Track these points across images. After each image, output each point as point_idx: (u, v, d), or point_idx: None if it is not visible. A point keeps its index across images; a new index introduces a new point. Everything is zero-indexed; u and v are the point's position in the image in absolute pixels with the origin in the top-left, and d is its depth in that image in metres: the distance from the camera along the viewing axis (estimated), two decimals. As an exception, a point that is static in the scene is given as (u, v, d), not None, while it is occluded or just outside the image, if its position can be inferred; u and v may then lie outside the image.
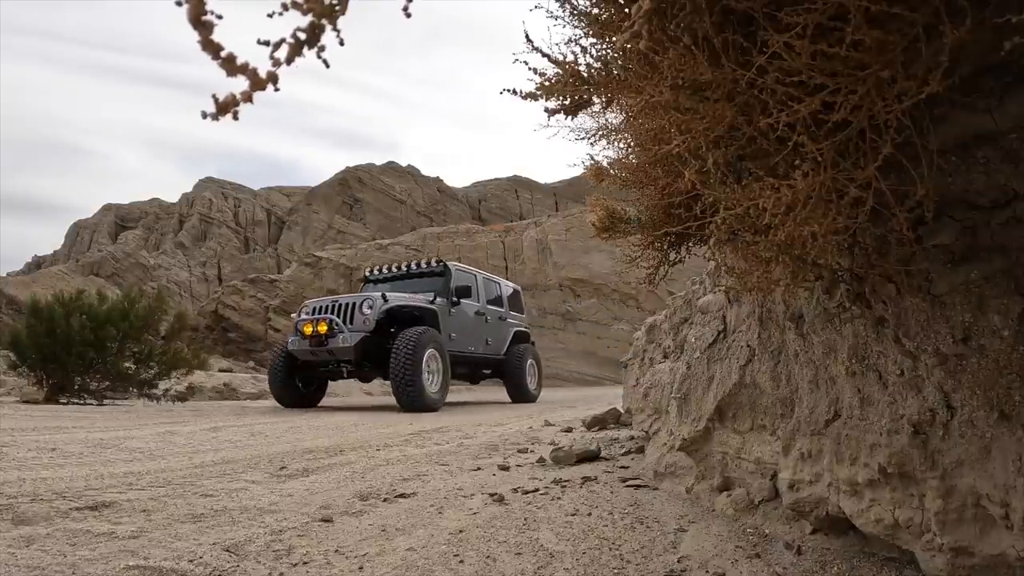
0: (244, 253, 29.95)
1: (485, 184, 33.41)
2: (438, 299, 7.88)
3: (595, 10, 1.25)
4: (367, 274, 9.31)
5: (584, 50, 1.31)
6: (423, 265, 8.68)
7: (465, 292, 8.28)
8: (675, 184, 1.42)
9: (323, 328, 6.96)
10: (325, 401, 8.97)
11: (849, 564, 1.42)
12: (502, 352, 9.39)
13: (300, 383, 7.55)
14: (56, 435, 3.66)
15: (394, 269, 9.01)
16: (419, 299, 7.66)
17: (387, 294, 7.30)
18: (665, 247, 1.88)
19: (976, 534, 1.09)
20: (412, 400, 6.57)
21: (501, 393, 10.00)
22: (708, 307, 2.12)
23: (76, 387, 7.50)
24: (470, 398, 10.97)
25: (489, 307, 9.27)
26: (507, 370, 9.40)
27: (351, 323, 7.01)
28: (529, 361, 9.68)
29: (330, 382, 8.90)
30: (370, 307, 7.02)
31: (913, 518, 1.20)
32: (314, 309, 7.39)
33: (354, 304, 7.15)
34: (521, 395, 9.38)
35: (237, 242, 30.79)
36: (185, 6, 0.54)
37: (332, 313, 7.17)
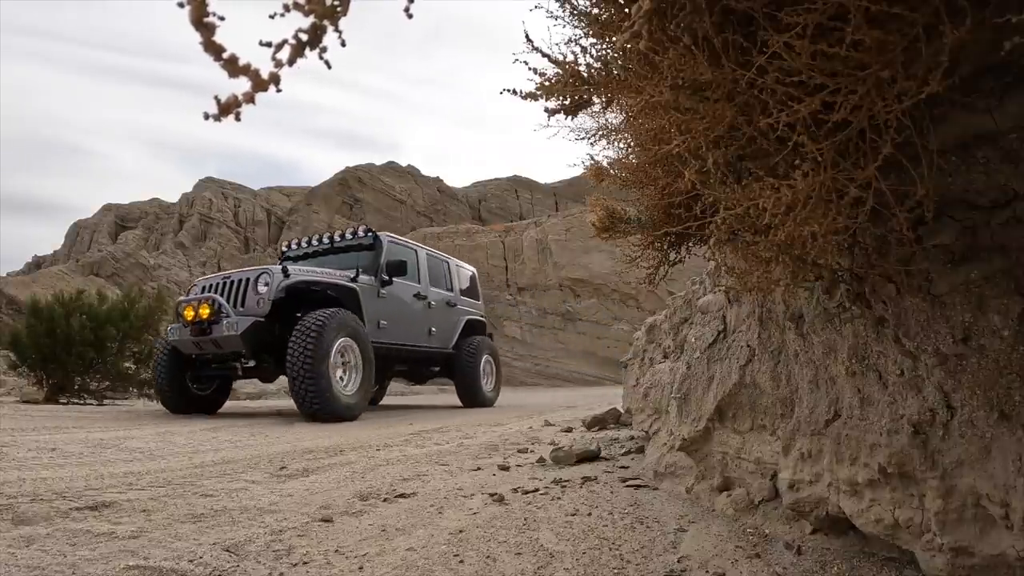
0: (244, 253, 29.94)
1: (485, 184, 33.41)
2: (363, 276, 6.23)
3: (595, 10, 1.25)
4: (283, 249, 7.51)
5: (584, 50, 1.31)
6: (348, 235, 6.93)
7: (399, 269, 6.59)
8: (675, 184, 1.42)
9: (205, 311, 5.36)
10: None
11: (849, 564, 1.42)
12: (450, 345, 7.74)
13: (193, 383, 6.04)
14: (56, 435, 3.66)
15: (314, 242, 7.20)
16: (336, 275, 6.03)
17: (291, 267, 5.69)
18: (665, 247, 1.88)
19: (976, 534, 1.09)
20: (314, 404, 5.01)
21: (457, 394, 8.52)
22: (708, 307, 2.12)
23: (76, 387, 7.51)
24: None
25: (434, 290, 7.56)
26: (457, 367, 7.75)
27: (242, 305, 5.42)
28: (484, 357, 8.02)
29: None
30: (266, 284, 5.40)
31: (913, 518, 1.20)
32: (203, 288, 5.81)
33: (247, 280, 5.53)
34: (473, 398, 7.81)
35: (237, 242, 30.78)
36: (187, 8, 0.55)
37: (219, 292, 5.55)
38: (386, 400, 9.33)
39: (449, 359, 7.78)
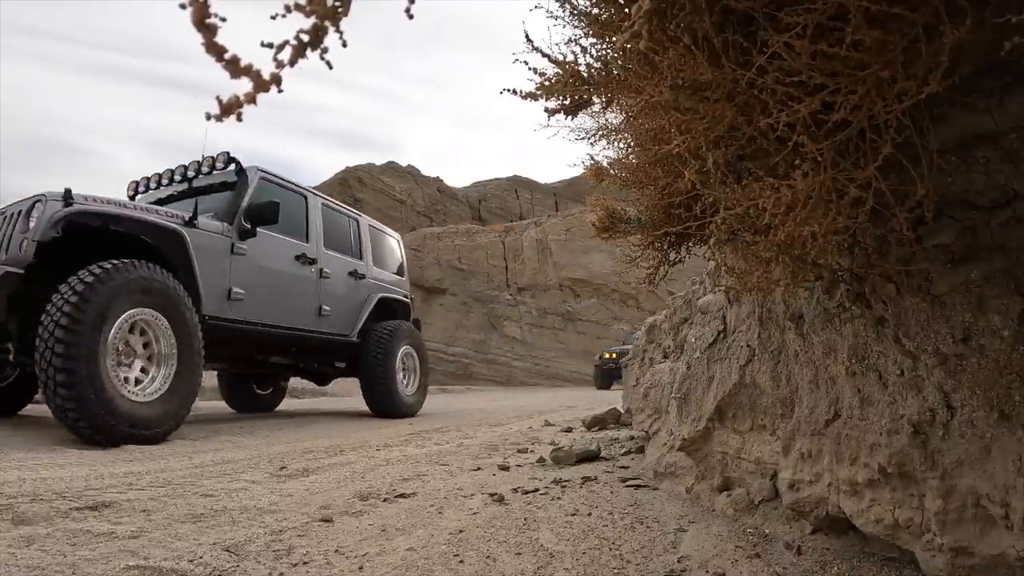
0: (244, 253, 29.91)
1: (485, 184, 33.43)
2: (207, 221, 4.24)
3: (595, 10, 1.26)
4: (131, 193, 5.28)
5: (584, 50, 1.32)
6: (205, 169, 4.77)
7: (267, 215, 4.44)
8: (675, 184, 1.42)
9: None
10: (327, 404, 7.99)
11: (849, 564, 1.42)
12: (353, 331, 5.68)
13: None
14: (56, 435, 3.66)
15: (164, 180, 5.01)
16: (159, 213, 3.92)
17: (77, 194, 3.51)
18: (665, 247, 1.88)
19: (976, 534, 1.09)
20: (72, 416, 3.10)
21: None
22: (708, 307, 2.12)
23: (76, 387, 7.47)
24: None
25: (331, 254, 5.48)
26: (362, 361, 5.69)
27: (3, 250, 3.44)
28: (402, 348, 5.89)
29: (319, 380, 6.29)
30: (38, 217, 3.36)
31: (913, 518, 1.20)
32: None
33: (19, 214, 3.47)
34: (383, 402, 5.68)
35: (237, 242, 30.76)
36: (189, 9, 0.55)
37: None
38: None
39: (352, 350, 5.74)
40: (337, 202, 5.99)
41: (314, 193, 5.51)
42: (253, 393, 6.57)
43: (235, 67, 0.58)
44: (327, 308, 5.36)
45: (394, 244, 6.86)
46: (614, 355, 14.83)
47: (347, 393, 10.34)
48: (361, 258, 6.01)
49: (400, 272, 6.80)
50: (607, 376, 15.16)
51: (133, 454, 3.03)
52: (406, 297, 6.66)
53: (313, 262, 5.24)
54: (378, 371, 5.64)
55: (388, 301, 6.25)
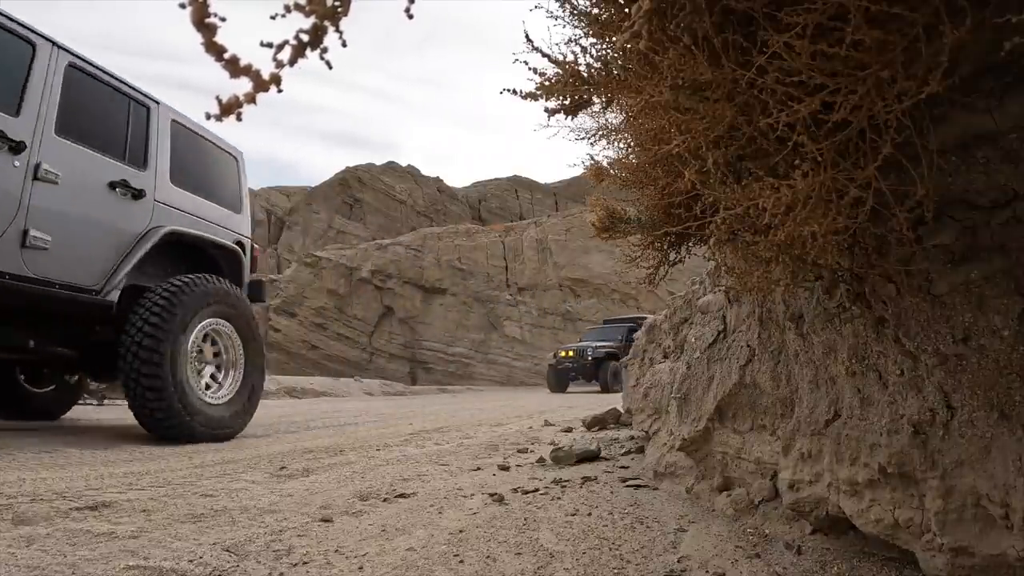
0: (244, 253, 29.86)
1: (485, 184, 33.43)
2: None
3: (595, 10, 1.26)
4: None
5: (584, 50, 1.32)
6: None
7: None
8: (675, 184, 1.42)
9: None
10: (325, 402, 8.46)
11: (849, 564, 1.42)
12: (106, 285, 3.36)
13: None
14: (55, 435, 3.66)
15: None
16: None
17: None
18: (665, 247, 1.88)
19: (976, 534, 1.09)
20: None
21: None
22: (708, 307, 2.12)
23: (76, 387, 7.48)
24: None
25: (69, 144, 3.18)
26: (121, 341, 3.35)
27: None
28: (203, 321, 3.64)
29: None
30: None
31: (913, 518, 1.20)
32: None
33: None
34: (160, 417, 3.36)
35: (237, 242, 30.72)
36: (189, 9, 0.55)
37: None
38: (387, 400, 8.68)
39: (103, 317, 3.46)
40: (121, 77, 3.63)
41: (63, 48, 3.22)
42: (22, 391, 4.42)
43: (235, 67, 0.58)
44: (41, 235, 3.04)
45: (227, 160, 4.43)
46: (571, 353, 13.82)
47: (346, 393, 10.28)
48: (144, 166, 3.66)
49: (234, 207, 4.35)
50: (562, 377, 13.81)
51: (133, 454, 3.04)
52: (237, 245, 4.23)
53: (18, 149, 2.94)
54: (146, 359, 3.29)
55: (194, 242, 3.88)
